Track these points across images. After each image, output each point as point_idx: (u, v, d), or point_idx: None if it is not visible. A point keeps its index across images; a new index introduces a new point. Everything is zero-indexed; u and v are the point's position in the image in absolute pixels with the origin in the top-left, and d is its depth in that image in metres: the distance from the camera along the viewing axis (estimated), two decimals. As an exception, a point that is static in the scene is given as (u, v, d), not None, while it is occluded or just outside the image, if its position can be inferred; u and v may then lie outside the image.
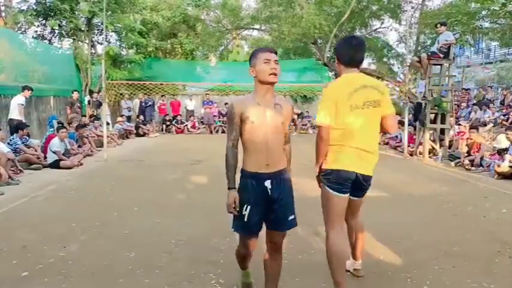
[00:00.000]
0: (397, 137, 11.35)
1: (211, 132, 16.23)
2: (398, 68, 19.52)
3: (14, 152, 7.37)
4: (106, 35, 13.94)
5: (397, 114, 8.04)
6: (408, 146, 9.97)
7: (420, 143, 9.82)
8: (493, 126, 11.45)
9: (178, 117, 16.41)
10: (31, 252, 3.61)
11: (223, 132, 16.11)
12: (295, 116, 14.87)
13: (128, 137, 13.81)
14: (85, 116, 12.51)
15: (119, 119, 14.01)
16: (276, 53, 2.44)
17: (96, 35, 15.53)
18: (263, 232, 2.53)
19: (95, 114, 13.00)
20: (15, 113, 8.79)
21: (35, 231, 4.18)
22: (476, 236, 4.13)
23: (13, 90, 9.78)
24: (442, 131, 9.69)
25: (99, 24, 14.40)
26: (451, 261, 3.44)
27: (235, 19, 20.22)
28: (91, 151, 9.91)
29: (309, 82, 17.16)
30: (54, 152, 8.01)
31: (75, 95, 12.55)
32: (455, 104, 11.26)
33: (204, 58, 21.39)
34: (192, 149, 11.26)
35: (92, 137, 10.68)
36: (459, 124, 10.42)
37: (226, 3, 20.17)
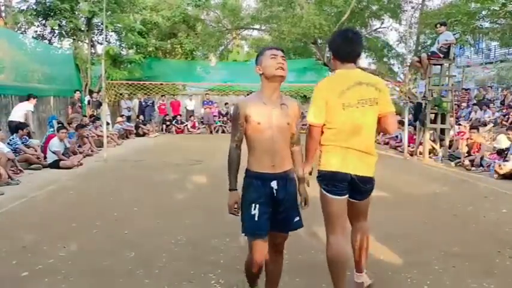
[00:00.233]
0: (397, 137, 11.35)
1: (211, 132, 16.23)
2: (399, 68, 19.54)
3: (14, 152, 7.37)
4: (106, 35, 13.93)
5: (397, 114, 8.06)
6: (408, 146, 9.97)
7: (420, 143, 9.82)
8: (493, 126, 11.45)
9: (178, 117, 16.42)
10: (31, 252, 3.61)
11: (223, 132, 16.13)
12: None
13: (127, 137, 13.81)
14: (86, 116, 12.51)
15: (119, 119, 14.01)
16: (282, 51, 2.39)
17: (96, 35, 15.54)
18: None
19: (94, 114, 13.00)
20: (18, 115, 8.81)
21: (35, 231, 4.18)
22: (476, 236, 4.13)
23: (13, 90, 9.78)
24: (442, 131, 9.70)
25: (99, 24, 14.40)
26: (451, 261, 3.44)
27: (235, 19, 20.21)
28: (91, 151, 9.91)
29: (309, 82, 17.13)
30: (53, 152, 8.01)
31: (77, 94, 12.58)
32: (455, 104, 11.26)
33: (204, 58, 21.40)
34: (192, 149, 11.26)
35: (92, 137, 10.69)
36: (459, 124, 10.41)
37: (226, 3, 20.16)
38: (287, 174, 2.39)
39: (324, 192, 2.55)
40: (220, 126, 16.49)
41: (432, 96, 9.58)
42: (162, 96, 16.76)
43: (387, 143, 11.78)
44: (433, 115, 9.55)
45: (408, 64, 10.96)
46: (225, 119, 16.75)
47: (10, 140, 7.84)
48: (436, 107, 9.45)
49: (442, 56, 9.37)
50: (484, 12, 14.36)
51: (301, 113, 2.52)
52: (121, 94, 14.11)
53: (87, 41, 14.93)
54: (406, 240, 3.93)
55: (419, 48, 17.13)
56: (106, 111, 10.76)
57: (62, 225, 4.39)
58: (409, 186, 6.44)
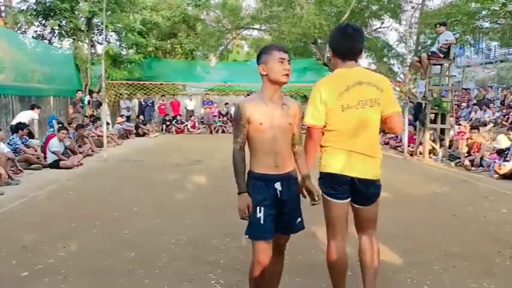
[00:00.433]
0: (397, 137, 11.35)
1: (211, 132, 16.23)
2: (399, 68, 19.57)
3: (13, 152, 7.37)
4: (106, 35, 13.94)
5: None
6: (408, 146, 9.97)
7: (420, 143, 9.82)
8: (493, 126, 11.46)
9: (178, 117, 16.42)
10: (31, 252, 3.61)
11: (223, 132, 16.14)
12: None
13: (127, 137, 13.81)
14: (87, 116, 12.52)
15: (119, 119, 14.01)
16: (288, 52, 2.36)
17: (96, 34, 15.55)
18: None
19: (94, 114, 13.01)
20: (22, 120, 8.86)
21: (35, 231, 4.18)
22: (476, 236, 4.13)
23: (13, 90, 9.80)
24: (442, 131, 9.70)
25: (99, 24, 14.41)
26: (451, 261, 3.44)
27: (235, 19, 20.22)
28: (91, 151, 9.91)
29: (309, 82, 17.14)
30: (53, 153, 8.01)
31: (79, 94, 12.62)
32: (455, 104, 11.27)
33: (204, 58, 21.40)
34: (192, 149, 11.26)
35: (92, 137, 10.69)
36: (459, 124, 10.42)
37: (226, 3, 20.17)
38: (290, 175, 2.37)
39: (325, 195, 2.46)
40: (220, 126, 16.50)
41: (432, 96, 9.58)
42: (162, 96, 16.77)
43: (387, 143, 11.78)
44: (433, 115, 9.55)
45: (408, 64, 10.98)
46: (225, 119, 16.76)
47: (10, 140, 7.84)
48: (436, 107, 9.46)
49: (442, 56, 9.38)
50: (484, 12, 14.37)
51: (301, 113, 2.48)
52: (121, 94, 14.11)
53: (87, 41, 14.94)
54: (406, 240, 3.93)
55: (419, 48, 17.14)
56: (106, 111, 10.77)
57: (62, 225, 4.39)
58: (409, 186, 6.44)
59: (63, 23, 13.72)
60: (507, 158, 7.41)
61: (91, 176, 7.40)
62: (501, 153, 7.79)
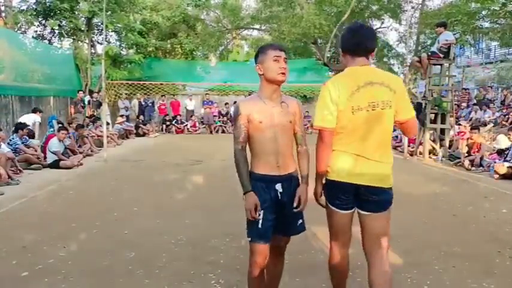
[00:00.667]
0: (397, 137, 11.34)
1: (211, 132, 16.23)
2: (399, 68, 19.57)
3: (13, 152, 7.37)
4: (106, 35, 13.94)
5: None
6: (408, 146, 9.97)
7: (420, 143, 9.82)
8: (493, 126, 11.46)
9: (178, 117, 16.42)
10: (31, 252, 3.61)
11: (223, 132, 16.14)
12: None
13: (127, 137, 13.81)
14: (88, 117, 12.52)
15: (119, 119, 14.01)
16: (285, 50, 2.33)
17: (96, 35, 15.54)
18: None
19: (95, 114, 13.01)
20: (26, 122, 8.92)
21: (35, 231, 4.18)
22: (476, 236, 4.13)
23: (13, 90, 9.81)
24: (442, 131, 9.70)
25: (99, 24, 14.41)
26: (451, 261, 3.44)
27: (235, 19, 20.24)
28: (91, 151, 9.91)
29: (309, 82, 17.17)
30: (53, 153, 8.01)
31: (80, 94, 12.62)
32: (455, 104, 11.27)
33: (204, 58, 21.41)
34: (192, 149, 11.26)
35: (92, 137, 10.69)
36: (459, 124, 10.42)
37: (226, 3, 20.19)
38: (292, 176, 2.34)
39: (329, 204, 2.33)
40: (220, 126, 16.50)
41: (432, 96, 9.59)
42: (162, 96, 16.77)
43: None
44: (433, 115, 9.56)
45: (408, 64, 10.97)
46: (225, 119, 16.76)
47: (10, 140, 7.84)
48: (436, 107, 9.46)
49: (442, 56, 9.38)
50: (484, 12, 14.38)
51: (302, 111, 2.45)
52: (120, 94, 14.13)
53: (87, 41, 14.94)
54: (406, 240, 3.93)
55: (419, 48, 17.15)
56: (106, 111, 10.77)
57: (62, 225, 4.39)
58: (409, 186, 6.43)
59: (63, 23, 13.71)
60: (507, 158, 7.41)
61: (91, 176, 7.40)
62: (501, 153, 7.79)
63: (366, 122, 2.19)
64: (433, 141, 9.71)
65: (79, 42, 15.60)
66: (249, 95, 2.54)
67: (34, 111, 9.84)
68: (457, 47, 15.13)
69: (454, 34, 12.57)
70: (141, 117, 15.50)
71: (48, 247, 3.71)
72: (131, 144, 12.38)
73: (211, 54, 21.67)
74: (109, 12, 13.27)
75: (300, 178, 2.40)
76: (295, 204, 2.31)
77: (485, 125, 11.62)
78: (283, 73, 2.25)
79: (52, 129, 9.57)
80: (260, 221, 2.24)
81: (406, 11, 18.26)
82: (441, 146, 9.58)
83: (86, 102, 13.41)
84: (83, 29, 14.36)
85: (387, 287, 2.23)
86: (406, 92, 2.30)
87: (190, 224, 4.47)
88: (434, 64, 9.80)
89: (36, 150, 8.24)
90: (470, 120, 12.60)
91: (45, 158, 8.16)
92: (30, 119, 9.46)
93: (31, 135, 8.72)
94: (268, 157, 2.28)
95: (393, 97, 2.19)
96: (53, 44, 14.42)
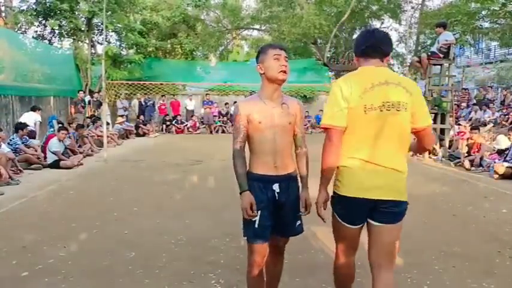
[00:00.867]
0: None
1: (211, 132, 16.24)
2: (398, 68, 19.57)
3: (14, 152, 7.37)
4: (106, 35, 13.94)
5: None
6: (408, 146, 9.95)
7: (420, 143, 9.81)
8: (493, 126, 11.46)
9: (178, 117, 16.43)
10: (31, 252, 3.61)
11: (223, 132, 16.14)
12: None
13: (127, 137, 13.81)
14: (89, 117, 12.53)
15: (119, 119, 14.02)
16: (285, 50, 2.32)
17: (96, 35, 15.55)
18: None
19: (95, 114, 13.01)
20: (28, 122, 8.90)
21: (35, 231, 4.18)
22: (476, 236, 4.13)
23: (13, 90, 9.81)
24: (442, 131, 9.70)
25: (99, 24, 14.41)
26: (451, 261, 3.44)
27: (235, 19, 20.26)
28: (91, 151, 9.92)
29: (308, 82, 17.21)
30: (53, 153, 8.01)
31: (81, 94, 12.63)
32: (455, 104, 11.27)
33: (204, 58, 21.42)
34: (192, 149, 11.26)
35: (92, 137, 10.69)
36: (459, 124, 10.42)
37: (226, 3, 20.21)
38: (290, 176, 2.33)
39: (337, 216, 2.16)
40: (220, 126, 16.50)
41: (432, 96, 9.59)
42: (162, 96, 16.78)
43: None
44: (432, 115, 9.54)
45: (408, 64, 11.01)
46: (225, 119, 16.76)
47: (10, 140, 7.84)
48: (436, 107, 9.46)
49: (442, 56, 9.39)
50: (484, 12, 14.40)
51: (302, 112, 2.44)
52: (119, 94, 14.13)
53: (87, 41, 14.94)
54: (406, 240, 3.90)
55: (419, 48, 17.18)
56: (106, 111, 10.78)
57: (62, 225, 4.39)
58: (409, 186, 6.41)
59: (63, 23, 13.72)
60: (507, 158, 7.41)
61: (91, 176, 7.40)
62: (501, 153, 7.79)
63: (380, 124, 2.00)
64: (433, 141, 9.70)
65: (79, 42, 15.61)
66: (250, 94, 2.55)
67: (33, 109, 9.80)
68: (457, 47, 15.14)
69: (454, 34, 12.58)
70: (141, 117, 15.51)
71: (48, 247, 3.72)
72: (131, 144, 12.38)
73: (211, 55, 21.68)
74: (109, 12, 13.27)
75: (299, 179, 2.39)
76: (302, 210, 2.34)
77: (485, 125, 11.62)
78: (283, 71, 2.24)
79: (52, 129, 9.57)
80: (257, 221, 2.24)
81: (406, 11, 18.31)
82: (441, 146, 9.58)
83: (87, 102, 13.43)
84: (83, 29, 14.37)
85: None
86: (423, 97, 2.15)
87: (190, 224, 4.47)
88: (434, 64, 9.81)
89: (36, 150, 8.24)
90: (470, 120, 12.60)
91: (45, 158, 8.16)
92: (31, 118, 9.44)
93: (33, 136, 8.71)
94: (266, 157, 2.27)
95: (409, 99, 2.02)
96: (53, 44, 14.43)
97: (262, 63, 2.28)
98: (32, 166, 7.79)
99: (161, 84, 14.09)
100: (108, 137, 10.03)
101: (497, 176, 7.13)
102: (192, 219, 4.62)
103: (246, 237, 2.31)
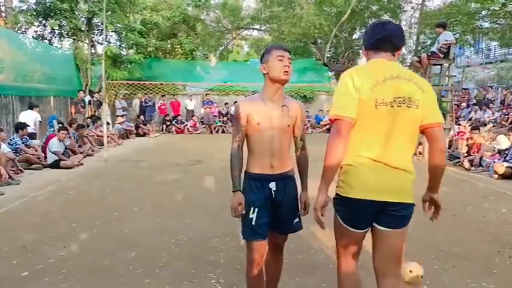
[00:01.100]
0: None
1: (211, 132, 16.24)
2: (398, 68, 19.52)
3: (14, 152, 7.38)
4: (106, 35, 13.95)
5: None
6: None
7: (420, 143, 9.81)
8: (493, 126, 11.46)
9: (179, 117, 16.43)
10: (31, 252, 3.62)
11: (223, 132, 16.14)
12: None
13: (128, 137, 13.82)
14: (90, 117, 12.53)
15: (119, 119, 14.02)
16: (289, 52, 2.36)
17: (96, 35, 15.54)
18: None
19: (95, 114, 13.02)
20: (28, 121, 8.89)
21: (35, 231, 4.19)
22: (476, 236, 4.14)
23: (13, 90, 9.81)
24: (442, 131, 9.69)
25: (99, 24, 14.41)
26: (451, 261, 3.45)
27: (235, 19, 20.24)
28: (91, 151, 9.92)
29: (309, 82, 17.21)
30: (53, 153, 8.02)
31: (81, 94, 12.62)
32: (455, 104, 11.28)
33: (204, 58, 21.41)
34: (192, 149, 11.27)
35: (92, 137, 10.70)
36: (459, 124, 10.42)
37: (226, 3, 20.20)
38: (286, 175, 2.35)
39: (339, 219, 2.01)
40: (220, 126, 16.50)
41: (432, 96, 9.58)
42: (162, 96, 16.78)
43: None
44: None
45: (408, 64, 10.99)
46: (225, 119, 16.76)
47: (11, 140, 7.85)
48: (436, 107, 9.45)
49: (442, 56, 9.38)
50: (484, 12, 14.38)
51: (303, 114, 2.46)
52: (119, 94, 14.12)
53: (87, 41, 14.94)
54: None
55: (419, 48, 17.16)
56: (106, 111, 10.78)
57: (62, 225, 4.39)
58: (409, 186, 6.43)
59: (63, 23, 13.72)
60: (507, 158, 7.42)
61: (91, 176, 7.40)
62: (501, 153, 7.79)
63: (390, 121, 1.87)
64: (433, 141, 9.70)
65: (79, 42, 15.61)
66: (253, 93, 2.56)
67: (31, 107, 9.72)
68: (457, 47, 15.13)
69: (454, 34, 12.57)
70: (142, 117, 15.51)
71: (48, 247, 3.72)
72: (131, 144, 12.38)
73: (211, 54, 21.67)
74: (109, 13, 13.27)
75: (298, 180, 2.42)
76: (301, 211, 2.38)
77: (485, 125, 11.62)
78: (286, 72, 2.27)
79: (52, 129, 9.57)
80: (254, 219, 2.28)
81: (406, 11, 18.28)
82: (441, 146, 9.57)
83: (87, 102, 13.43)
84: (83, 29, 14.37)
85: None
86: (435, 95, 2.02)
87: (190, 223, 4.47)
88: (434, 64, 9.80)
89: (36, 150, 8.24)
90: (470, 120, 12.60)
91: (45, 158, 8.17)
92: (31, 117, 9.40)
93: (33, 137, 8.71)
94: (263, 158, 2.30)
95: (421, 96, 1.90)
96: (53, 44, 14.43)
97: (266, 64, 2.31)
98: (32, 166, 7.80)
99: (161, 84, 14.08)
100: (108, 137, 10.04)
101: (497, 176, 7.14)
102: (192, 219, 4.62)
103: (243, 236, 2.34)
